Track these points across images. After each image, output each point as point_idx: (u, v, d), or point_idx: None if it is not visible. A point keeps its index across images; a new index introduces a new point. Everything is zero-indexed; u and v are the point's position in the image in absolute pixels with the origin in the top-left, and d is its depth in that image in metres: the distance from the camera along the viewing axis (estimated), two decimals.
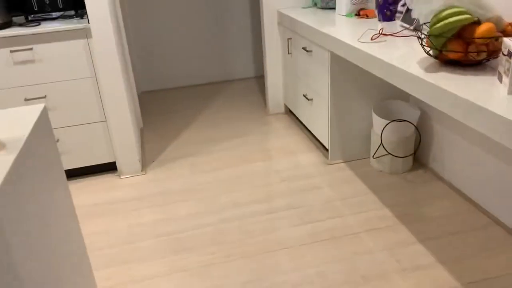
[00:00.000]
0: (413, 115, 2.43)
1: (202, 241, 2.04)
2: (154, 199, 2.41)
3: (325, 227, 2.06)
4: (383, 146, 2.40)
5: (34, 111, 1.11)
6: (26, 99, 2.40)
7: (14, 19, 2.57)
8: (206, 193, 2.43)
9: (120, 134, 2.57)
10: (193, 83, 4.25)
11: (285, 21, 3.02)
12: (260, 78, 4.32)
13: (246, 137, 3.08)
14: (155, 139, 3.15)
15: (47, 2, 2.52)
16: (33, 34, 2.29)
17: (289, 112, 3.39)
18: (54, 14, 2.63)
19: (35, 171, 0.98)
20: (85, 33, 2.35)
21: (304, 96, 2.85)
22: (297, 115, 3.12)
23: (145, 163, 2.81)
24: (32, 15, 2.58)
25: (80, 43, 2.36)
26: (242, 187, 2.46)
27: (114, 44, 2.37)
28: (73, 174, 2.69)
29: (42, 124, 1.10)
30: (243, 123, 3.30)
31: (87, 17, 2.40)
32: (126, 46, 3.08)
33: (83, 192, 2.53)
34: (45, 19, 2.53)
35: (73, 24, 2.33)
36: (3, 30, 2.29)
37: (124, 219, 2.25)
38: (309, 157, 2.73)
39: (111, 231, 2.17)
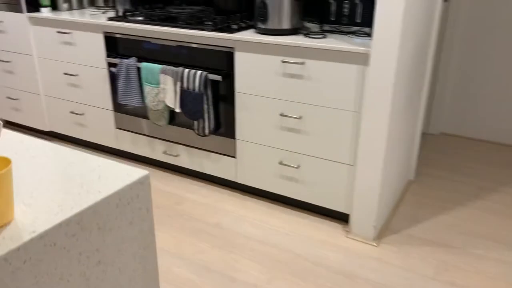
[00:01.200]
0: None
1: None
2: (362, 287, 1.81)
3: None
4: None
5: (132, 174, 0.77)
6: (281, 114, 2.17)
7: (309, 25, 2.35)
8: None
9: (364, 189, 2.04)
10: None
11: None
12: None
13: None
14: (417, 203, 2.44)
15: (345, 14, 2.17)
16: (308, 48, 1.99)
17: None
18: (351, 28, 2.26)
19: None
20: (364, 59, 1.89)
21: None
22: None
23: (384, 231, 2.20)
24: (328, 25, 2.29)
25: (353, 69, 1.92)
26: None
27: (392, 80, 1.81)
28: (302, 206, 2.36)
29: (129, 194, 0.74)
30: None
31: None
32: (427, 74, 2.44)
33: (297, 233, 2.16)
34: (338, 31, 2.20)
35: (355, 45, 1.90)
36: (283, 37, 2.09)
37: None
38: None
39: None
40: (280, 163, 2.27)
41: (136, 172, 0.79)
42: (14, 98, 3.23)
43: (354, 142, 2.04)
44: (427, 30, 2.26)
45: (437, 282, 1.85)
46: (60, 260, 0.66)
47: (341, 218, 2.25)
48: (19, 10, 2.91)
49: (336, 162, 2.11)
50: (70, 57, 2.82)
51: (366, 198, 2.05)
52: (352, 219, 2.14)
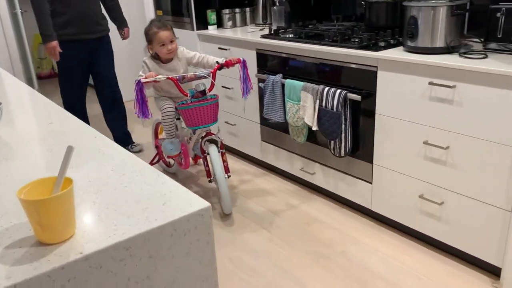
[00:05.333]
0: None
1: None
2: None
3: None
4: None
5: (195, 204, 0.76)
6: (425, 142, 1.94)
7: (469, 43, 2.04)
8: None
9: None
10: None
11: None
12: None
13: None
14: None
15: None
16: (460, 69, 1.73)
17: None
18: None
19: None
20: None
21: None
22: None
23: None
24: (494, 43, 1.95)
25: None
26: None
27: None
28: (442, 248, 2.06)
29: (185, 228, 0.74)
30: None
31: None
32: None
33: (432, 278, 1.89)
34: (506, 51, 1.86)
35: None
36: (433, 56, 1.86)
37: None
38: None
39: None
40: (421, 196, 2.02)
41: (198, 203, 0.78)
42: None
43: (510, 183, 1.69)
44: None
45: None
46: (106, 282, 0.69)
47: (490, 270, 1.90)
48: (191, 28, 3.25)
49: (488, 204, 1.78)
50: (228, 72, 3.02)
51: None
52: (504, 274, 1.78)
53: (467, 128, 1.77)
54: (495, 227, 1.78)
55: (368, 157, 2.22)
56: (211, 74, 2.40)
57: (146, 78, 2.28)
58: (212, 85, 2.39)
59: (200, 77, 2.44)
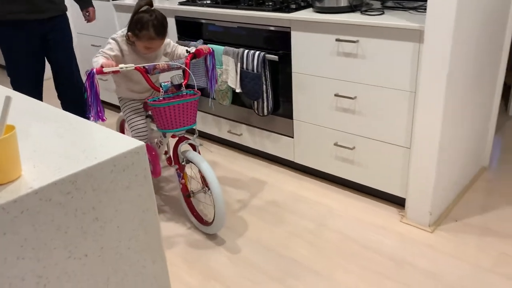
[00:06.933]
0: None
1: None
2: (411, 274, 1.76)
3: None
4: None
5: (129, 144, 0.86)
6: (336, 95, 2.15)
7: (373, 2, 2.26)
8: None
9: (419, 173, 1.95)
10: None
11: None
12: None
13: None
14: (486, 191, 2.26)
15: None
16: (361, 25, 1.93)
17: None
18: (415, 4, 2.14)
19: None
20: (418, 36, 1.78)
21: None
22: None
23: (443, 218, 2.08)
24: (391, 1, 2.19)
25: (408, 46, 1.83)
26: None
27: (447, 58, 1.70)
28: (357, 188, 2.32)
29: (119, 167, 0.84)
30: None
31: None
32: (505, 51, 2.22)
33: (350, 214, 2.14)
34: (400, 7, 2.09)
35: (409, 22, 1.81)
36: (338, 15, 2.05)
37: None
38: None
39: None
40: (336, 144, 2.25)
41: (133, 143, 0.88)
42: (104, 79, 3.58)
43: (409, 124, 1.95)
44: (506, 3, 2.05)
45: (494, 274, 1.72)
46: (56, 213, 0.77)
47: (397, 202, 2.18)
48: None
49: (392, 144, 2.04)
50: None
51: (422, 183, 1.96)
52: (408, 203, 2.06)
53: (370, 78, 2.00)
54: (398, 164, 2.05)
55: (289, 114, 2.40)
56: (185, 63, 1.99)
57: (104, 67, 1.78)
58: (187, 75, 1.98)
59: (172, 68, 1.99)
